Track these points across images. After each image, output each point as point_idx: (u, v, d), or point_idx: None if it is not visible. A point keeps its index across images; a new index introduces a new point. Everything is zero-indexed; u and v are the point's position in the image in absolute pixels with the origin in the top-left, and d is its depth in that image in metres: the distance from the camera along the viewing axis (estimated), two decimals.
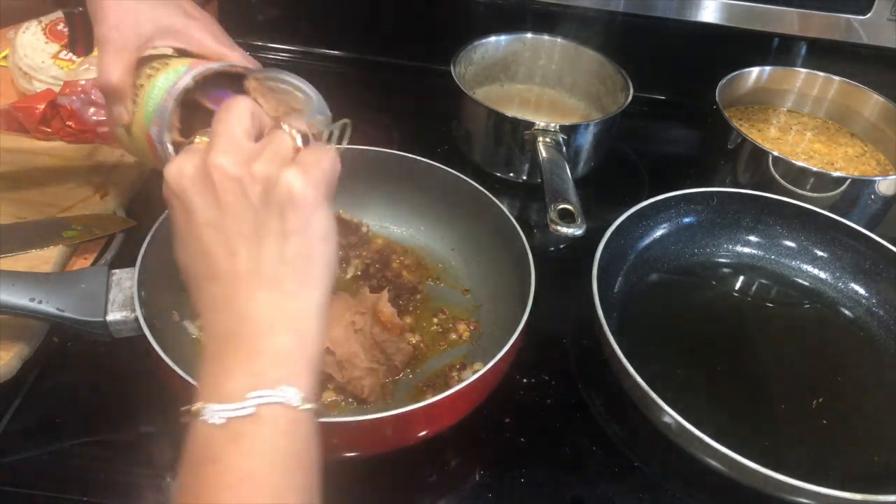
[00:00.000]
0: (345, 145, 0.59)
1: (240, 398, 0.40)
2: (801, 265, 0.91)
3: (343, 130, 0.60)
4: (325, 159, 0.47)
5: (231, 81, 0.60)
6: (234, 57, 0.62)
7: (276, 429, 0.41)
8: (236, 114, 0.47)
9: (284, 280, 0.44)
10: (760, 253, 0.92)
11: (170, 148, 0.59)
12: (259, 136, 0.48)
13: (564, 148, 0.94)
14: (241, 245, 0.44)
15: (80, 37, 0.70)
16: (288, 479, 0.41)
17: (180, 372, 0.58)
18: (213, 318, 0.45)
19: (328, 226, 0.47)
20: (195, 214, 0.45)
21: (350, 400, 0.70)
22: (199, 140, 0.50)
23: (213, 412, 0.40)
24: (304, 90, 0.59)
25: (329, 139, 0.60)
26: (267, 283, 0.44)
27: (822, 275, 0.90)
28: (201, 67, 0.58)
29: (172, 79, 0.58)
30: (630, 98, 1.02)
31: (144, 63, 0.61)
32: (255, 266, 0.44)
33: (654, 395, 0.65)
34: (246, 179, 0.44)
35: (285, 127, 0.48)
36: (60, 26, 1.07)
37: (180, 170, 0.46)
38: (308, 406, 0.42)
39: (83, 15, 0.66)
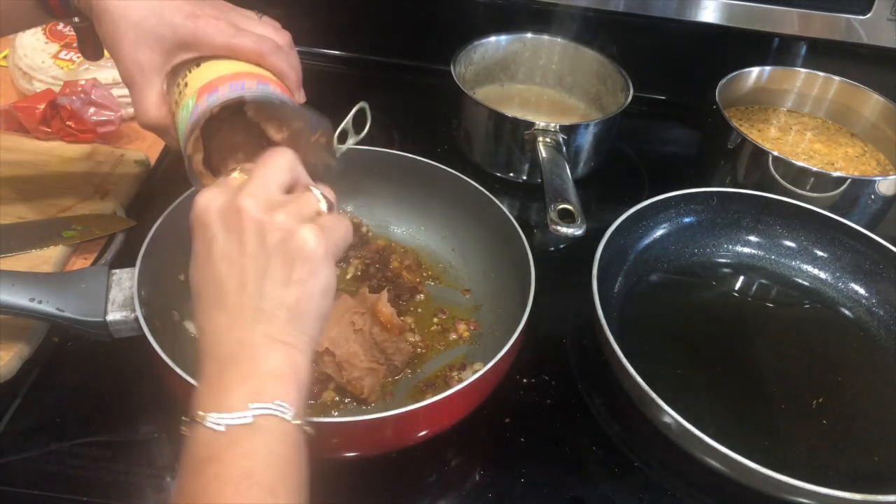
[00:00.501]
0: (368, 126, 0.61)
1: (240, 409, 0.44)
2: (801, 265, 0.91)
3: (363, 115, 0.60)
4: (342, 227, 0.52)
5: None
6: (241, 44, 0.62)
7: (271, 436, 0.45)
8: (276, 165, 0.52)
9: (281, 320, 0.48)
10: (760, 253, 0.92)
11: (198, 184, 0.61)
12: (291, 191, 0.53)
13: (564, 148, 0.94)
14: (250, 282, 0.48)
15: (90, 42, 0.70)
16: (281, 479, 0.44)
17: (180, 372, 0.58)
18: (214, 340, 0.48)
19: (329, 283, 0.50)
20: (215, 245, 0.49)
21: (350, 400, 0.70)
22: (237, 174, 0.53)
23: (214, 419, 0.44)
24: (295, 109, 0.59)
25: (347, 135, 0.60)
26: (266, 319, 0.48)
27: (822, 275, 0.90)
28: (202, 109, 0.57)
29: (185, 118, 0.59)
30: (630, 98, 1.02)
31: (172, 81, 0.62)
32: (258, 303, 0.48)
33: (654, 395, 0.65)
34: (267, 225, 0.48)
35: (315, 190, 0.53)
36: (60, 26, 1.07)
37: (210, 201, 0.50)
38: (298, 421, 0.46)
39: (88, 27, 0.66)
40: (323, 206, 0.52)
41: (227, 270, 0.48)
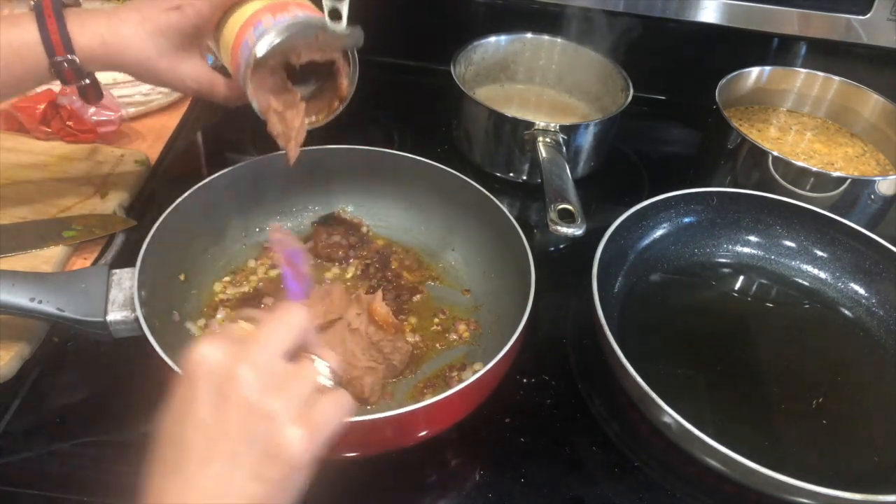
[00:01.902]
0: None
1: None
2: (801, 265, 0.91)
3: None
4: (338, 411, 0.47)
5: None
6: None
7: None
8: (284, 328, 0.47)
9: None
10: (760, 253, 0.92)
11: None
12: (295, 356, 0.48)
13: (564, 148, 0.94)
14: (216, 463, 0.43)
15: (91, 92, 0.75)
16: None
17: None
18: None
19: (299, 485, 0.45)
20: (196, 408, 0.44)
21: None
22: (244, 324, 0.50)
23: None
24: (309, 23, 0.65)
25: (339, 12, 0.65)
26: None
27: (822, 275, 0.90)
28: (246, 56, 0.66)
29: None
30: (630, 98, 1.02)
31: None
32: (216, 488, 0.43)
33: (654, 395, 0.65)
34: (256, 411, 0.44)
35: (318, 361, 0.48)
36: None
37: (205, 357, 0.45)
38: None
39: (93, 83, 0.73)
40: (324, 380, 0.48)
41: (197, 441, 0.43)
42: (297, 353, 0.48)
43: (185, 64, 0.69)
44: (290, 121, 0.70)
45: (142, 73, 0.70)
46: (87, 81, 0.72)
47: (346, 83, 0.71)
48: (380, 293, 0.71)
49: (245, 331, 0.49)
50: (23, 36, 0.67)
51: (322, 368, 0.48)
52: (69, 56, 0.67)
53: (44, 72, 0.68)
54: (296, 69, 0.69)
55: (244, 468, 0.43)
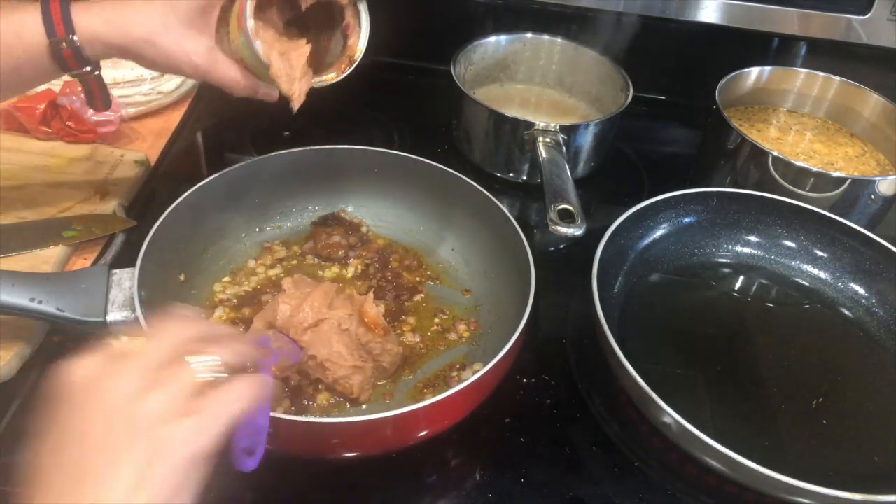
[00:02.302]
0: None
1: None
2: (801, 265, 0.91)
3: None
4: (234, 401, 0.45)
5: None
6: None
7: None
8: (164, 341, 0.46)
9: None
10: (760, 253, 0.92)
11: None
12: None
13: (564, 148, 0.94)
14: (91, 475, 0.41)
15: (98, 95, 0.73)
16: None
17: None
18: None
19: (192, 482, 0.42)
20: (65, 427, 0.43)
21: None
22: (124, 339, 0.49)
23: None
24: None
25: None
26: None
27: (822, 275, 0.90)
28: None
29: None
30: (630, 98, 1.02)
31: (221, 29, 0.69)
32: (105, 493, 0.40)
33: (654, 395, 0.65)
34: (130, 415, 0.42)
35: (201, 359, 0.46)
36: None
37: (73, 374, 0.44)
38: None
39: (97, 77, 0.71)
40: (210, 375, 0.45)
41: (68, 458, 0.41)
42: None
43: (191, 40, 0.67)
44: (295, 61, 0.68)
45: (146, 51, 0.67)
46: (89, 69, 0.69)
47: (356, 42, 0.71)
48: (371, 294, 0.71)
49: (124, 346, 0.48)
50: (24, 18, 0.66)
51: (206, 365, 0.46)
52: (69, 36, 0.65)
53: (44, 56, 0.66)
54: (303, 23, 0.70)
55: (124, 477, 0.40)
